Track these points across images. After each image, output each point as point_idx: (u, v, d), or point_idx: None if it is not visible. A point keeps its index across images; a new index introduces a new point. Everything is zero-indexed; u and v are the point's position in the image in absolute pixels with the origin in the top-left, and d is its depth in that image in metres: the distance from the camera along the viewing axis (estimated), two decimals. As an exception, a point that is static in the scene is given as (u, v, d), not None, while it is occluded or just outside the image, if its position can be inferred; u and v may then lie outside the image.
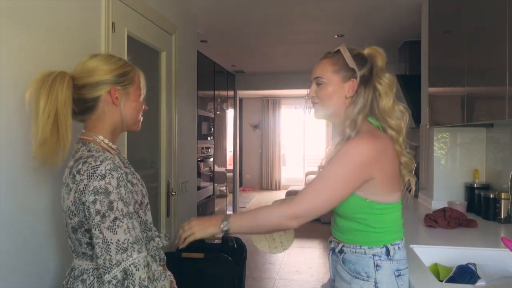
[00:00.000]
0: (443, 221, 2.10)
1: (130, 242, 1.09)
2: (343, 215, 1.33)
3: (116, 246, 1.07)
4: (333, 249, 1.39)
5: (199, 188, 4.28)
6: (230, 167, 6.16)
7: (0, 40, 1.26)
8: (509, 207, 2.18)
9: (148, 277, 1.10)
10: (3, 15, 1.27)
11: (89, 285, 1.16)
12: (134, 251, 1.09)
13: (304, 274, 4.27)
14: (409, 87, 3.64)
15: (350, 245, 1.31)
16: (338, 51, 1.33)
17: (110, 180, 1.09)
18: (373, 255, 1.27)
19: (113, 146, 1.26)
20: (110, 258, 1.07)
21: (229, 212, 5.96)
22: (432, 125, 2.73)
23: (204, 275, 2.33)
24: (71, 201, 1.13)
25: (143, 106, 1.31)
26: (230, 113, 6.09)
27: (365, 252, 1.28)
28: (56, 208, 1.56)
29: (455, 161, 2.73)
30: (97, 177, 1.09)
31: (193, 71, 3.22)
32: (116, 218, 1.08)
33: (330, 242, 1.43)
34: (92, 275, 1.17)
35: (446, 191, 2.71)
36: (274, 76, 6.41)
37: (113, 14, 1.92)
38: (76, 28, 1.67)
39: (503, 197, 2.20)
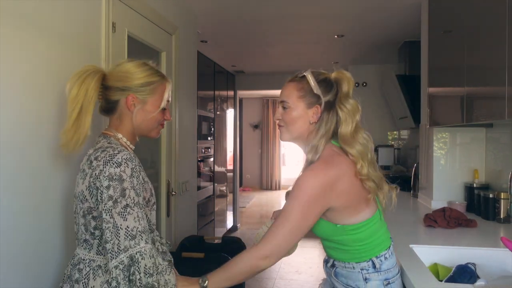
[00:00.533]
0: (443, 221, 2.10)
1: (139, 231, 1.13)
2: (322, 238, 1.36)
3: (125, 232, 1.12)
4: (326, 262, 1.43)
5: (199, 188, 4.28)
6: (230, 167, 6.16)
7: (0, 40, 1.27)
8: (508, 207, 2.18)
9: (154, 267, 1.13)
10: (3, 15, 1.28)
11: (85, 275, 1.21)
12: (142, 240, 1.13)
13: (304, 274, 4.27)
14: (409, 87, 3.64)
15: (339, 261, 1.34)
16: (304, 76, 1.33)
17: (125, 169, 1.16)
18: (361, 269, 1.29)
19: (131, 146, 1.34)
20: (118, 243, 1.11)
21: (229, 212, 5.97)
22: (431, 125, 2.73)
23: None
24: (85, 186, 1.20)
25: (163, 117, 1.35)
26: (230, 113, 6.09)
27: (353, 267, 1.30)
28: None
29: (454, 161, 2.74)
30: (113, 164, 1.16)
31: (193, 71, 3.23)
32: (127, 205, 1.13)
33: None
34: (88, 266, 1.22)
35: (445, 191, 2.71)
36: (274, 76, 6.41)
37: (113, 14, 1.92)
38: (76, 28, 1.67)
39: (502, 197, 2.20)
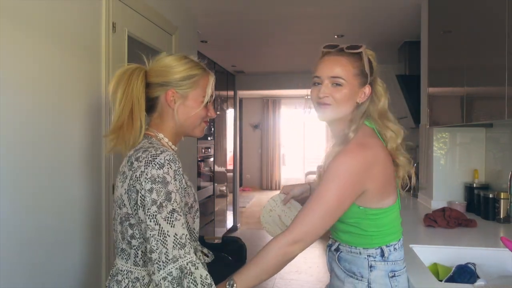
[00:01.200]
0: (443, 221, 2.10)
1: (188, 239, 1.04)
2: (339, 219, 1.30)
3: (174, 239, 1.01)
4: (329, 246, 1.39)
5: (199, 188, 4.28)
6: (230, 167, 6.16)
7: (0, 40, 1.27)
8: (508, 207, 2.18)
9: (210, 277, 1.04)
10: (3, 15, 1.28)
11: (124, 287, 1.12)
12: (192, 248, 1.04)
13: (304, 274, 4.27)
14: (409, 87, 3.63)
15: (345, 245, 1.30)
16: (360, 53, 1.24)
17: (168, 170, 1.06)
18: (367, 256, 1.25)
19: (173, 147, 1.25)
20: (166, 252, 1.00)
21: (229, 212, 5.96)
22: (431, 125, 2.73)
23: (204, 275, 2.32)
24: (124, 189, 1.11)
25: (207, 113, 1.26)
26: (230, 113, 6.09)
27: (360, 253, 1.27)
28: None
29: (454, 161, 2.74)
30: (156, 165, 1.06)
31: (193, 71, 3.22)
32: (174, 210, 1.04)
33: (329, 238, 1.43)
34: (127, 277, 1.13)
35: (445, 191, 2.71)
36: (274, 76, 6.41)
37: (113, 14, 1.92)
38: (76, 28, 1.67)
39: (502, 197, 2.20)
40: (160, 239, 1.01)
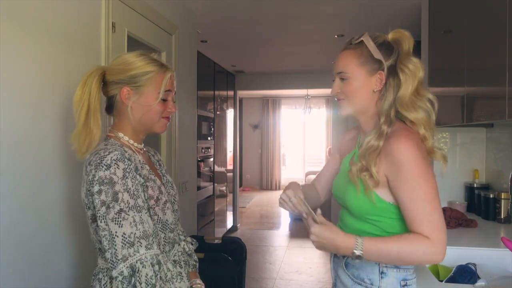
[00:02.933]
0: (443, 221, 2.10)
1: (137, 237, 1.05)
2: (357, 215, 1.24)
3: (122, 239, 1.04)
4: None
5: (199, 188, 4.28)
6: (230, 167, 6.15)
7: (0, 40, 1.26)
8: (509, 207, 2.18)
9: (156, 275, 1.05)
10: (3, 15, 1.27)
11: (103, 285, 1.15)
12: (141, 246, 1.05)
13: (304, 274, 4.27)
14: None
15: None
16: (362, 41, 1.21)
17: (115, 170, 1.08)
18: (379, 262, 1.18)
19: (137, 145, 1.25)
20: (115, 252, 1.03)
21: (229, 212, 5.96)
22: (432, 125, 2.72)
23: (204, 275, 2.33)
24: (84, 193, 1.14)
25: (166, 108, 1.24)
26: (230, 113, 6.09)
27: None
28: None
29: (455, 161, 2.74)
30: (103, 167, 1.08)
31: (193, 71, 3.22)
32: (121, 210, 1.05)
33: None
34: (106, 275, 1.16)
35: (446, 191, 2.71)
36: (274, 76, 6.41)
37: (113, 14, 1.92)
38: (76, 28, 1.67)
39: (503, 197, 2.20)
40: (109, 240, 1.04)
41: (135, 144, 1.25)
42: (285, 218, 7.05)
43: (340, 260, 1.28)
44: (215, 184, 5.19)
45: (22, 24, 1.36)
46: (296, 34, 4.03)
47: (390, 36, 1.22)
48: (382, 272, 1.19)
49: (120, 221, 1.05)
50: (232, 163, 6.32)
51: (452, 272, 1.57)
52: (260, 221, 6.87)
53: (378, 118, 1.20)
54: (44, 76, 1.47)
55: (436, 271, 1.69)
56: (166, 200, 1.24)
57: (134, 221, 1.06)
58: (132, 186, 1.09)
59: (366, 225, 1.22)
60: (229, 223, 5.96)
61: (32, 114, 1.42)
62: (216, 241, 2.77)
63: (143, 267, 1.04)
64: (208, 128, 4.88)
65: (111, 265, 1.04)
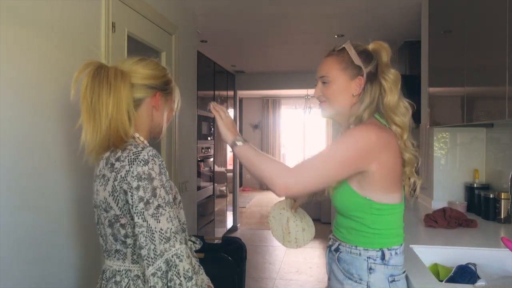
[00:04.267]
0: (443, 221, 2.10)
1: (173, 232, 1.06)
2: (342, 212, 1.31)
3: (160, 235, 1.04)
4: (330, 247, 1.38)
5: (199, 188, 4.28)
6: (230, 167, 6.16)
7: (0, 40, 1.26)
8: (509, 207, 2.18)
9: (193, 268, 1.07)
10: (3, 15, 1.27)
11: (124, 287, 1.12)
12: (176, 241, 1.06)
13: (304, 274, 4.27)
14: (409, 87, 3.63)
15: (346, 245, 1.29)
16: (343, 48, 1.31)
17: (153, 166, 1.08)
18: (367, 257, 1.24)
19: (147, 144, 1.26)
20: (154, 248, 1.03)
21: (229, 212, 5.96)
22: (432, 125, 2.73)
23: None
24: (108, 192, 1.10)
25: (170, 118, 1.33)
26: (230, 113, 6.08)
27: (360, 254, 1.25)
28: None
29: (455, 161, 2.74)
30: (140, 162, 1.07)
31: (193, 71, 3.22)
32: (159, 205, 1.06)
33: (329, 239, 1.43)
34: (126, 276, 1.13)
35: (446, 191, 2.71)
36: (274, 76, 6.41)
37: (113, 14, 1.92)
38: (76, 28, 1.67)
39: (503, 197, 2.20)
40: (148, 236, 1.04)
41: (147, 143, 1.26)
42: (285, 218, 7.05)
43: (333, 255, 1.33)
44: (215, 184, 5.19)
45: (22, 24, 1.36)
46: (296, 34, 4.03)
47: (370, 46, 1.34)
48: (370, 268, 1.24)
49: (158, 216, 1.05)
50: (232, 163, 6.32)
51: (452, 272, 1.57)
52: (260, 221, 6.87)
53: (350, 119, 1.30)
54: (44, 76, 1.47)
55: (436, 271, 1.69)
56: (180, 199, 1.28)
57: (170, 216, 1.07)
58: (166, 182, 1.11)
59: (351, 222, 1.28)
60: (229, 223, 5.96)
61: (33, 114, 1.42)
62: (216, 241, 2.77)
63: (180, 261, 1.04)
64: (208, 128, 4.88)
65: (148, 262, 1.03)
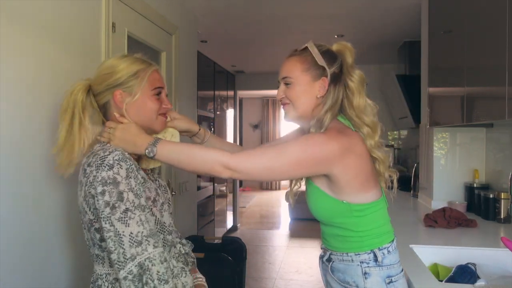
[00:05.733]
0: (443, 221, 2.10)
1: (144, 235, 1.04)
2: (323, 221, 1.29)
3: (130, 239, 1.03)
4: (321, 257, 1.35)
5: (199, 188, 4.28)
6: (230, 167, 6.15)
7: (0, 40, 1.27)
8: (508, 207, 2.18)
9: (167, 272, 1.05)
10: (3, 15, 1.27)
11: None
12: (149, 245, 1.04)
13: (304, 274, 4.27)
14: (409, 87, 3.64)
15: (337, 253, 1.26)
16: (306, 48, 1.26)
17: (118, 170, 1.06)
18: (360, 262, 1.21)
19: None
20: (123, 252, 1.02)
21: (229, 212, 5.96)
22: (432, 125, 2.73)
23: (204, 275, 2.33)
24: (82, 197, 1.11)
25: (161, 105, 1.23)
26: (230, 113, 6.09)
27: (352, 260, 1.22)
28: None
29: (455, 161, 2.74)
30: (105, 167, 1.06)
31: (193, 71, 3.23)
32: (127, 209, 1.04)
33: (321, 248, 1.39)
34: (106, 280, 1.14)
35: (446, 191, 2.71)
36: (274, 76, 6.27)
37: (113, 14, 1.92)
38: (76, 28, 1.67)
39: (502, 197, 2.20)
40: (116, 240, 1.03)
41: None
42: (285, 218, 7.06)
43: (326, 265, 1.30)
44: (215, 184, 5.19)
45: (22, 24, 1.36)
46: (296, 34, 4.03)
47: (334, 47, 1.29)
48: (365, 273, 1.20)
49: (127, 220, 1.03)
50: (232, 163, 6.31)
51: (452, 272, 1.57)
52: (260, 221, 6.87)
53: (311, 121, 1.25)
54: (43, 76, 1.47)
55: (436, 271, 1.69)
56: (163, 202, 1.23)
57: (140, 220, 1.05)
58: (135, 186, 1.09)
59: (335, 229, 1.26)
60: (229, 223, 5.96)
61: (32, 114, 1.42)
62: (216, 241, 2.78)
63: (152, 265, 1.03)
64: (208, 128, 4.88)
65: (118, 266, 1.02)
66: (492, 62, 1.78)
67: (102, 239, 1.10)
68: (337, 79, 1.25)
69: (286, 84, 1.28)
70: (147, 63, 1.23)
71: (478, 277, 1.52)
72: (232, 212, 6.11)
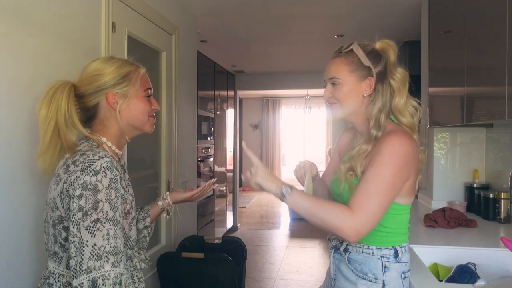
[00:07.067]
0: (443, 221, 2.10)
1: (106, 251, 1.00)
2: None
3: (91, 250, 0.99)
4: (335, 247, 1.36)
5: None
6: (230, 167, 6.16)
7: (0, 40, 1.27)
8: (508, 207, 2.18)
9: None
10: (4, 15, 1.28)
11: None
12: (107, 262, 1.00)
13: (304, 274, 4.27)
14: (409, 87, 3.64)
15: (356, 244, 1.28)
16: (351, 50, 1.29)
17: (102, 178, 1.03)
18: (381, 256, 1.25)
19: (118, 152, 1.22)
20: (81, 262, 0.99)
21: (229, 212, 5.96)
22: (432, 125, 2.73)
23: (204, 275, 2.33)
24: (57, 192, 1.08)
25: (151, 106, 1.23)
26: (230, 113, 6.09)
27: (373, 253, 1.25)
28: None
29: (454, 161, 2.74)
30: (90, 171, 1.03)
31: (193, 71, 3.23)
32: (97, 219, 1.01)
33: (330, 239, 1.41)
34: (58, 280, 1.11)
35: (445, 191, 2.71)
36: (274, 76, 6.41)
37: (113, 14, 1.92)
38: (76, 28, 1.67)
39: (502, 197, 2.20)
40: (78, 247, 0.99)
41: (117, 151, 1.22)
42: (285, 218, 7.06)
43: (342, 255, 1.32)
44: (215, 184, 5.19)
45: (22, 24, 1.36)
46: (296, 34, 4.03)
47: (377, 45, 1.32)
48: (385, 267, 1.24)
49: (94, 231, 1.00)
50: (232, 163, 6.32)
51: (452, 272, 1.57)
52: (260, 221, 6.87)
53: (368, 122, 1.28)
54: (43, 76, 1.47)
55: (436, 271, 1.69)
56: (134, 216, 1.22)
57: (108, 234, 1.02)
58: (114, 198, 1.05)
59: None
60: (229, 223, 5.96)
61: (32, 114, 1.41)
62: (216, 241, 2.78)
63: (103, 284, 0.98)
64: (208, 128, 4.88)
65: (73, 274, 0.99)
66: (492, 62, 1.78)
67: (67, 239, 1.08)
68: (383, 77, 1.27)
69: (333, 84, 1.30)
70: (136, 65, 1.23)
71: (478, 277, 1.52)
72: (232, 212, 6.10)
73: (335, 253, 1.37)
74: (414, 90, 3.35)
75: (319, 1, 3.06)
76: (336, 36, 4.04)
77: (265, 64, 5.70)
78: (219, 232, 5.27)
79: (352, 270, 1.28)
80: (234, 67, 5.86)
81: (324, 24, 3.70)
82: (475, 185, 2.54)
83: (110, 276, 0.99)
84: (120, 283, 1.02)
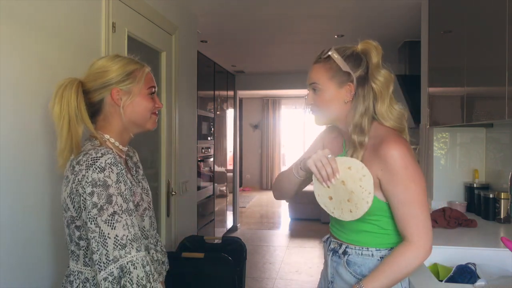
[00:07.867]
0: (443, 221, 2.10)
1: (129, 239, 1.06)
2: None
3: (114, 241, 1.04)
4: (333, 250, 1.36)
5: (199, 188, 4.28)
6: (230, 167, 6.16)
7: (0, 41, 1.27)
8: (508, 207, 2.18)
9: (147, 276, 1.06)
10: (3, 15, 1.28)
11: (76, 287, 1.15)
12: (132, 248, 1.06)
13: (304, 274, 4.27)
14: (409, 87, 3.64)
15: (355, 247, 1.28)
16: (329, 56, 1.26)
17: (109, 174, 1.07)
18: (381, 257, 1.24)
19: (122, 148, 1.25)
20: (106, 253, 1.03)
21: (229, 212, 5.96)
22: (432, 125, 2.73)
23: (204, 275, 2.33)
24: (67, 193, 1.12)
25: (154, 104, 1.26)
26: (230, 113, 6.09)
27: (372, 254, 1.25)
28: (57, 210, 1.56)
29: (454, 161, 2.74)
30: (96, 168, 1.07)
31: (193, 71, 3.22)
32: (114, 212, 1.06)
33: (326, 241, 1.41)
34: (77, 278, 1.16)
35: (445, 191, 2.71)
36: (274, 76, 6.41)
37: (113, 14, 1.92)
38: (76, 28, 1.67)
39: (502, 197, 2.20)
40: (100, 241, 1.04)
41: (120, 147, 1.25)
42: (285, 218, 7.06)
43: (341, 258, 1.31)
44: (215, 184, 5.19)
45: (22, 24, 1.36)
46: (296, 34, 4.03)
47: (359, 46, 1.29)
48: None
49: (114, 223, 1.05)
50: (232, 163, 6.32)
51: (452, 272, 1.57)
52: (260, 221, 6.87)
53: (354, 130, 1.25)
54: (43, 76, 1.47)
55: (436, 271, 1.69)
56: (145, 207, 1.25)
57: (127, 224, 1.07)
58: (125, 190, 1.10)
59: (365, 225, 1.27)
60: (229, 223, 5.96)
61: (32, 114, 1.42)
62: (216, 241, 2.77)
63: (134, 268, 1.04)
64: (208, 128, 4.88)
65: (99, 267, 1.03)
66: (492, 62, 1.78)
67: (81, 237, 1.13)
68: (364, 81, 1.25)
69: (314, 89, 1.30)
70: (141, 63, 1.26)
71: (478, 277, 1.52)
72: (232, 212, 6.11)
73: (333, 255, 1.35)
74: (414, 90, 3.36)
75: (319, 1, 3.06)
76: (336, 36, 4.04)
77: (265, 64, 5.70)
78: (219, 232, 5.27)
79: (351, 273, 1.27)
80: (234, 67, 5.86)
81: (324, 24, 3.70)
82: (475, 185, 2.54)
83: (138, 260, 1.05)
84: (148, 264, 1.07)
